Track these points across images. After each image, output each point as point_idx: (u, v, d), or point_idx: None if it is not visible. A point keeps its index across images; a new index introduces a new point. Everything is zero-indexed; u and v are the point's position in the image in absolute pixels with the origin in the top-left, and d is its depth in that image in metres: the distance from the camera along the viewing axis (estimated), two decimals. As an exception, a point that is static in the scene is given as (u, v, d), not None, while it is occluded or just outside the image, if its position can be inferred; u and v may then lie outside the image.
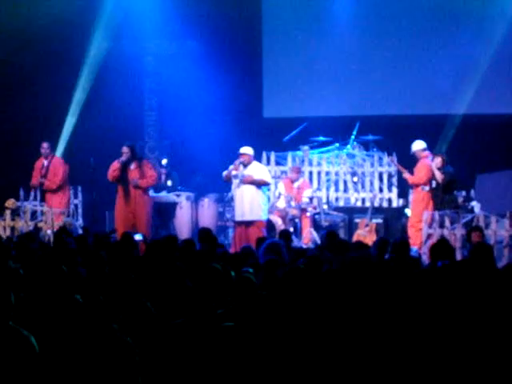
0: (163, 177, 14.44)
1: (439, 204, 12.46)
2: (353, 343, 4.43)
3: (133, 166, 12.74)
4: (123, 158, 12.65)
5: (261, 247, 6.99)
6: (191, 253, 6.72)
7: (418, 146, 12.80)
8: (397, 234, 13.03)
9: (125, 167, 12.71)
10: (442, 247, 7.54)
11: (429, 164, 12.57)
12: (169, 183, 14.30)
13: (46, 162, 13.38)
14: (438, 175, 12.48)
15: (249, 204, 12.16)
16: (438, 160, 12.66)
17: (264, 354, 4.45)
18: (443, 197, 12.55)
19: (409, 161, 13.08)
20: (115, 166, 12.66)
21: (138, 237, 10.26)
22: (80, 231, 12.66)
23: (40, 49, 15.39)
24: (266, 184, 12.43)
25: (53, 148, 13.74)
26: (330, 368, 4.36)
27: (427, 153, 12.76)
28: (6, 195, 12.81)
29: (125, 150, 12.77)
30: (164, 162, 14.54)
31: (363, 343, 4.43)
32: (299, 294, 5.09)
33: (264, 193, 12.45)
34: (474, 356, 4.44)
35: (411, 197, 12.86)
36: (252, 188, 12.22)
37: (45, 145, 13.41)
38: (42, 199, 13.23)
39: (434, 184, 12.57)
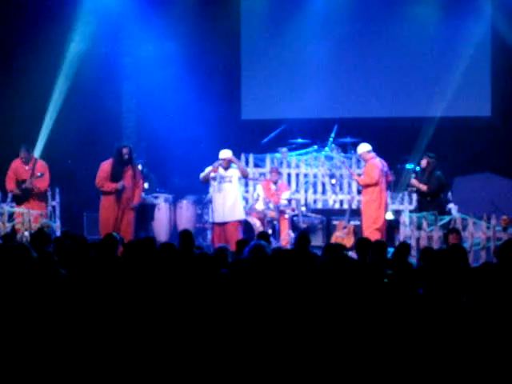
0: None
1: (424, 208, 12.49)
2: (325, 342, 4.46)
3: (127, 170, 12.55)
4: (120, 187, 12.29)
5: (245, 249, 7.00)
6: (170, 254, 6.72)
7: (364, 148, 12.74)
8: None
9: (118, 172, 12.45)
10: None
11: (377, 164, 12.55)
12: (145, 186, 14.22)
13: (28, 166, 12.95)
14: (422, 187, 12.60)
15: (232, 205, 12.16)
16: (424, 161, 12.73)
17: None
18: (429, 201, 12.61)
19: (389, 162, 13.09)
20: (111, 186, 12.30)
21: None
22: (58, 233, 12.59)
23: (17, 49, 15.32)
24: (246, 176, 12.47)
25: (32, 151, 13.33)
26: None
27: (373, 154, 12.71)
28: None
29: (126, 151, 12.42)
30: (139, 167, 14.38)
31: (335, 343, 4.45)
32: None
33: (241, 193, 12.51)
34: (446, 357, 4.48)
35: (363, 198, 12.74)
36: (234, 189, 12.23)
37: (23, 153, 12.92)
38: (18, 201, 12.92)
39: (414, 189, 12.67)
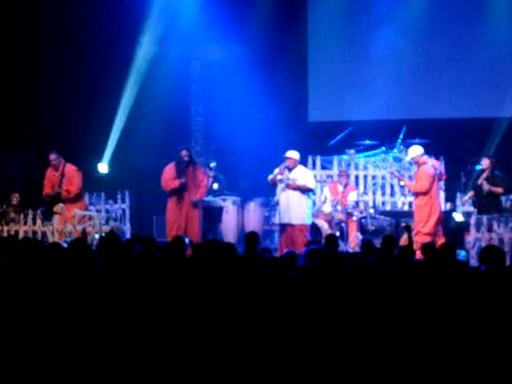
0: (210, 180, 14.48)
1: (485, 210, 12.24)
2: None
3: (189, 171, 12.72)
4: (183, 181, 12.53)
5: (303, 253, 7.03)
6: (233, 257, 6.76)
7: (417, 151, 12.49)
8: (445, 237, 12.89)
9: (181, 171, 12.66)
10: (491, 252, 7.46)
11: (429, 171, 12.31)
12: (215, 186, 14.31)
13: (57, 172, 12.82)
14: (485, 187, 12.28)
15: (294, 208, 12.15)
16: (486, 162, 12.48)
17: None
18: (489, 201, 12.36)
19: (459, 164, 12.90)
20: (174, 183, 12.53)
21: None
22: (128, 235, 12.74)
23: (87, 54, 15.57)
24: (309, 190, 12.38)
25: (63, 157, 12.97)
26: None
27: (426, 157, 12.50)
28: (55, 200, 12.85)
29: (185, 153, 12.65)
30: (212, 165, 14.52)
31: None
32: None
33: (309, 197, 12.42)
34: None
35: (415, 202, 12.52)
36: (297, 192, 12.22)
37: (52, 157, 12.80)
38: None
39: (484, 190, 12.37)
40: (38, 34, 15.61)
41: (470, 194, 12.64)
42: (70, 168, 12.89)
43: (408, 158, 12.84)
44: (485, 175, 12.39)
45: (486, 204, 12.39)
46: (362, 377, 4.37)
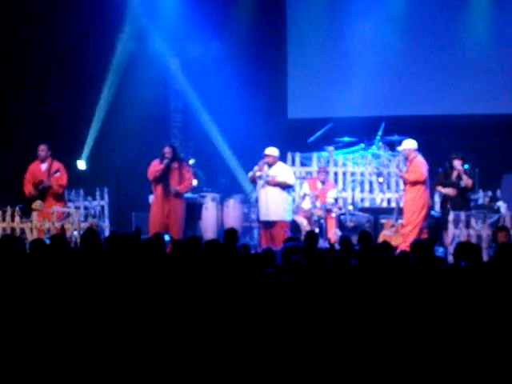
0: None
1: (458, 206, 12.28)
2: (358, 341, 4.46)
3: (173, 167, 12.73)
4: (167, 161, 12.61)
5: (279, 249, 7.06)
6: (213, 253, 6.78)
7: (411, 144, 12.51)
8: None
9: (166, 168, 12.68)
10: (467, 247, 7.50)
11: (424, 161, 12.41)
12: (194, 183, 14.32)
13: (44, 166, 12.71)
14: (467, 180, 12.30)
15: (273, 204, 12.16)
16: (459, 162, 12.46)
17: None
18: (462, 198, 12.43)
19: (436, 160, 12.95)
20: (159, 166, 12.59)
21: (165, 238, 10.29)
22: (107, 233, 12.71)
23: (66, 49, 15.50)
24: (289, 186, 12.39)
25: (51, 151, 12.85)
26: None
27: (417, 153, 12.56)
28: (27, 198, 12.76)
29: (167, 150, 12.65)
30: (191, 162, 14.53)
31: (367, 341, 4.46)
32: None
33: (289, 193, 12.44)
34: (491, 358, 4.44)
35: (407, 195, 12.55)
36: (276, 189, 12.23)
37: (42, 147, 12.69)
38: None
39: (462, 184, 12.40)
40: (15, 29, 15.49)
41: (451, 191, 12.53)
42: (59, 164, 12.77)
43: (400, 148, 12.82)
44: (461, 172, 12.40)
45: (459, 200, 12.42)
46: (346, 374, 4.40)
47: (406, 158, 12.62)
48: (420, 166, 12.33)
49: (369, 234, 9.60)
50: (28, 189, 12.64)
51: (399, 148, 12.83)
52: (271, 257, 7.36)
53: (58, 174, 12.62)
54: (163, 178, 12.60)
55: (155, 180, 12.64)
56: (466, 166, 12.64)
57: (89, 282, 5.85)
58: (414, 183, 12.33)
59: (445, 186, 12.47)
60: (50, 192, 12.59)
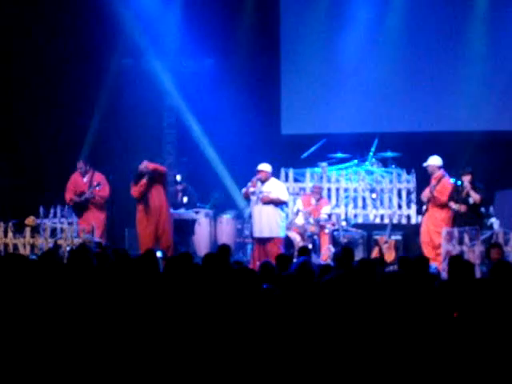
0: (179, 194, 14.49)
1: (462, 222, 12.26)
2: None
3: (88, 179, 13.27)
4: (146, 174, 12.66)
5: (292, 266, 7.05)
6: (209, 269, 6.76)
7: (436, 161, 12.64)
8: (416, 250, 12.96)
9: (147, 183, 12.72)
10: (459, 261, 7.49)
11: (451, 183, 12.52)
12: (185, 200, 14.32)
13: (86, 178, 13.41)
14: (475, 196, 12.30)
15: (267, 221, 12.15)
16: (468, 178, 12.43)
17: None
18: (470, 214, 12.42)
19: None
20: (142, 181, 12.67)
21: (158, 254, 10.29)
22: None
23: (60, 66, 15.51)
24: (282, 203, 12.38)
25: (90, 163, 13.61)
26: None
27: (442, 171, 12.64)
28: (26, 213, 12.79)
29: (78, 165, 13.31)
30: (178, 177, 14.56)
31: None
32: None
33: (282, 210, 12.43)
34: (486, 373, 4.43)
35: (436, 214, 12.54)
36: (270, 205, 12.22)
37: (79, 165, 13.43)
38: (78, 212, 13.17)
39: (471, 201, 12.41)
40: (12, 40, 15.51)
41: (463, 207, 12.50)
42: (100, 176, 13.43)
43: (425, 164, 12.84)
44: (469, 189, 12.38)
45: (464, 216, 12.38)
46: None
47: (431, 175, 12.67)
48: (448, 188, 12.41)
49: (350, 249, 9.58)
50: (69, 196, 13.33)
51: (424, 164, 12.84)
52: (269, 270, 7.33)
53: (100, 186, 13.23)
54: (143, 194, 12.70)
55: (140, 197, 12.70)
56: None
57: (76, 297, 5.82)
58: (438, 204, 12.43)
59: (456, 201, 12.52)
60: (92, 203, 13.25)
